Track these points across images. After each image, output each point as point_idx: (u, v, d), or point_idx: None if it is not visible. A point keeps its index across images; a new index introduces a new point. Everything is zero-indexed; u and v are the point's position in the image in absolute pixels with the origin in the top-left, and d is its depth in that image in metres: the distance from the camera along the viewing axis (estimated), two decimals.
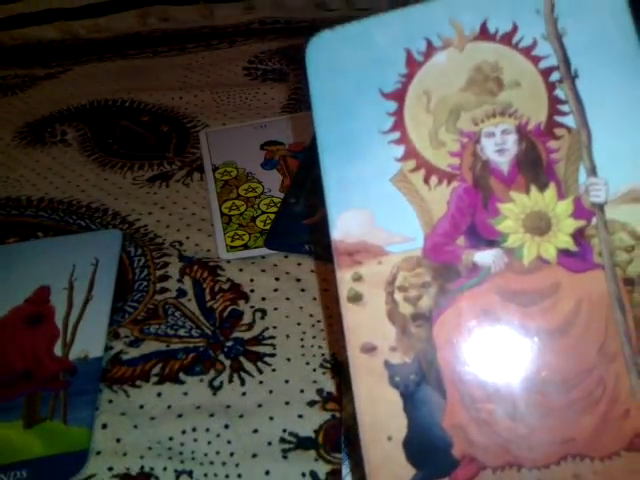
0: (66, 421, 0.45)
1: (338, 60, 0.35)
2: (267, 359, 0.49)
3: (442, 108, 0.34)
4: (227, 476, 0.42)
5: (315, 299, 0.53)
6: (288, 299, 0.53)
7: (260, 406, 0.45)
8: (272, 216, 0.60)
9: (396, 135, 0.34)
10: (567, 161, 0.32)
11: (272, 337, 0.50)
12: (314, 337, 0.50)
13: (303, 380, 0.47)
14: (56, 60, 0.92)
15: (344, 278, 0.33)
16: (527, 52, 0.33)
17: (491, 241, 0.32)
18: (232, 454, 0.43)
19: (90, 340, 0.50)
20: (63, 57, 0.93)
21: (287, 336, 0.50)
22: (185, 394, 0.47)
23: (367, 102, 0.34)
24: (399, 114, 0.34)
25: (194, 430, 0.44)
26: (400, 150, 0.34)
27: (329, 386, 0.46)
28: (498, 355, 0.31)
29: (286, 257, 0.57)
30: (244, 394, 0.46)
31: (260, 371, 0.48)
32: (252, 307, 0.53)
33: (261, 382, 0.47)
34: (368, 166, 0.34)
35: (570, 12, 0.33)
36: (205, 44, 0.94)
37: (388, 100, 0.34)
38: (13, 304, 0.53)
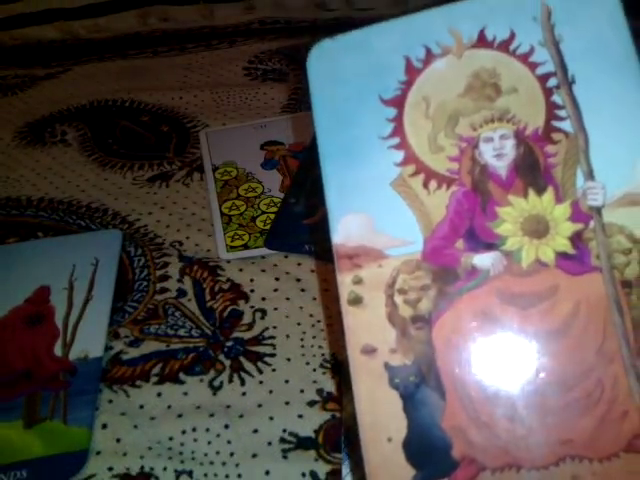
0: (66, 421, 0.45)
1: (339, 68, 0.35)
2: (267, 359, 0.49)
3: (441, 114, 0.34)
4: (227, 476, 0.42)
5: (315, 299, 0.53)
6: (288, 299, 0.53)
7: (260, 406, 0.46)
8: (272, 216, 0.60)
9: (396, 140, 0.35)
10: (565, 165, 0.33)
11: (272, 337, 0.50)
12: (314, 337, 0.50)
13: (303, 380, 0.47)
14: (56, 60, 0.92)
15: (344, 281, 0.34)
16: (524, 59, 0.34)
17: (490, 244, 0.33)
18: (232, 454, 0.43)
19: (90, 340, 0.50)
20: (63, 57, 0.93)
21: (287, 336, 0.50)
22: (185, 394, 0.47)
23: (367, 109, 0.35)
24: (399, 120, 0.35)
25: (194, 430, 0.44)
26: (400, 155, 0.34)
27: (329, 386, 0.47)
28: (497, 357, 0.31)
29: (286, 257, 0.57)
30: (244, 394, 0.47)
31: (260, 371, 0.48)
32: (252, 307, 0.53)
33: (261, 382, 0.47)
34: (368, 171, 0.34)
35: (567, 19, 0.33)
36: (205, 44, 0.94)
37: (388, 106, 0.35)
38: (13, 304, 0.53)
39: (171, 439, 0.44)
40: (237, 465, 0.42)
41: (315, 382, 0.47)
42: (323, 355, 0.49)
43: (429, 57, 0.35)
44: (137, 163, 0.70)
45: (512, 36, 0.34)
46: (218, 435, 0.44)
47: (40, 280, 0.54)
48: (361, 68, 0.35)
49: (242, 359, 0.49)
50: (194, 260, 0.57)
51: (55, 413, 0.45)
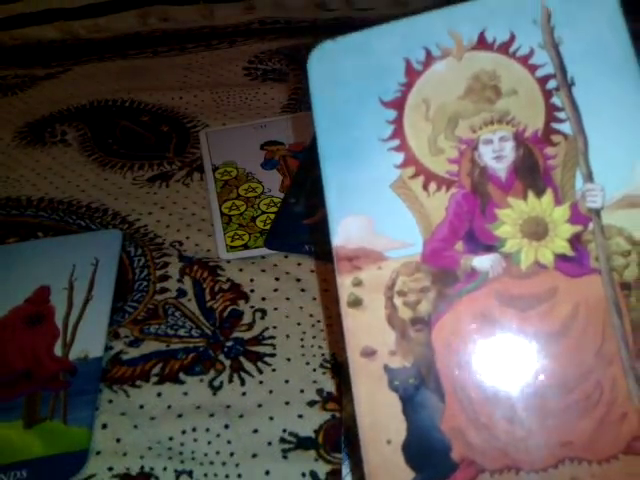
0: (66, 421, 0.45)
1: (339, 70, 0.35)
2: (267, 359, 0.49)
3: (441, 116, 0.34)
4: (227, 476, 0.42)
5: (315, 299, 0.53)
6: (288, 299, 0.54)
7: (260, 406, 0.46)
8: (272, 216, 0.60)
9: (396, 142, 0.35)
10: (564, 167, 0.33)
11: (272, 337, 0.51)
12: (314, 337, 0.50)
13: (303, 380, 0.47)
14: (56, 60, 0.92)
15: (344, 283, 0.34)
16: (524, 61, 0.34)
17: (489, 246, 0.33)
18: (232, 454, 0.43)
19: (90, 340, 0.50)
20: (63, 57, 0.93)
21: (287, 336, 0.51)
22: (185, 394, 0.47)
23: (367, 111, 0.35)
24: (399, 122, 0.35)
25: (194, 430, 0.44)
26: (400, 157, 0.34)
27: (329, 386, 0.47)
28: (496, 359, 0.31)
29: (286, 257, 0.57)
30: (244, 394, 0.47)
31: (260, 371, 0.48)
32: (252, 307, 0.53)
33: (261, 382, 0.47)
34: (368, 173, 0.34)
35: (566, 22, 0.33)
36: (205, 44, 0.94)
37: (388, 108, 0.35)
38: (13, 304, 0.53)
39: (171, 439, 0.44)
40: (237, 465, 0.42)
41: (315, 382, 0.47)
42: (323, 355, 0.49)
43: (429, 59, 0.35)
44: (137, 163, 0.70)
45: (512, 38, 0.34)
46: (218, 435, 0.44)
47: (40, 280, 0.54)
48: (361, 70, 0.35)
49: (242, 359, 0.49)
50: (194, 260, 0.57)
51: (55, 413, 0.45)
